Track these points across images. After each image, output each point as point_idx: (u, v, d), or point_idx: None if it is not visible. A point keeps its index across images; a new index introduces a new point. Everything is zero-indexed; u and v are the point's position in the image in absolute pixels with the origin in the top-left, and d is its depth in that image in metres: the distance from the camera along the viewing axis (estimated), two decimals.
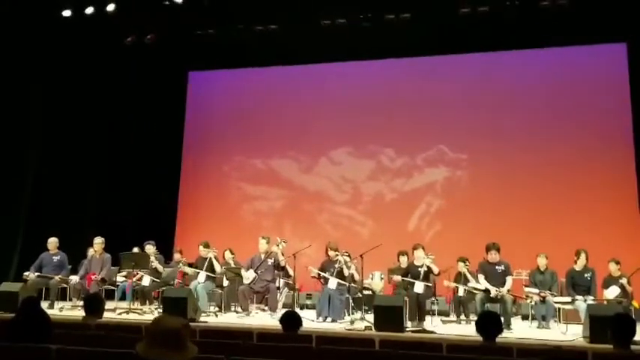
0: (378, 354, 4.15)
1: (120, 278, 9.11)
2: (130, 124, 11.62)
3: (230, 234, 10.64)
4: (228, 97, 11.72)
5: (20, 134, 10.35)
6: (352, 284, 8.19)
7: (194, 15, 10.29)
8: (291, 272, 8.59)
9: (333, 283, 7.94)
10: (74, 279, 8.75)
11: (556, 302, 7.67)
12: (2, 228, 10.02)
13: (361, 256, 7.85)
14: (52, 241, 9.03)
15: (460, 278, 8.15)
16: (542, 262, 7.97)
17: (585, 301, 7.35)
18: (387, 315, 6.92)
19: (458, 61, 10.58)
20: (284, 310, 6.03)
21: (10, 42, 9.85)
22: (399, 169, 10.71)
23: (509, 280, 7.72)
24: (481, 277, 7.82)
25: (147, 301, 8.98)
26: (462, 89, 10.49)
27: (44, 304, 7.84)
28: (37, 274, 8.75)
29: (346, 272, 8.10)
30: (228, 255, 9.22)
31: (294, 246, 8.84)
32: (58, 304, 8.56)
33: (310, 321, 7.40)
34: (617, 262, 7.68)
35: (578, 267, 7.82)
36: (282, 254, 8.46)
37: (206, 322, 7.48)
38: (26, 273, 8.77)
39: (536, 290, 7.73)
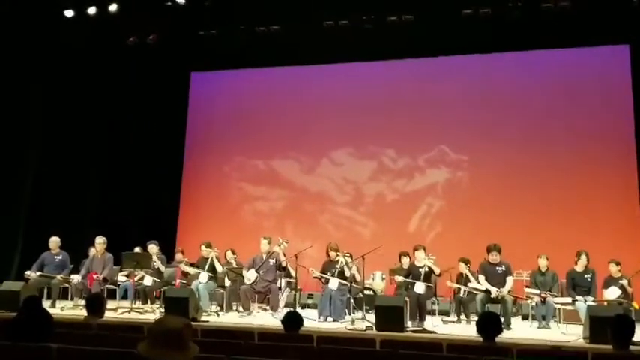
0: (379, 354, 4.17)
1: (121, 278, 9.13)
2: (132, 124, 11.66)
3: (231, 234, 10.66)
4: (230, 98, 11.74)
5: (21, 134, 10.38)
6: (354, 284, 8.21)
7: (196, 15, 10.33)
8: (292, 272, 8.61)
9: (334, 283, 7.96)
10: (76, 278, 8.77)
11: (556, 303, 7.68)
12: (4, 227, 10.05)
13: (362, 256, 7.86)
14: (54, 241, 9.05)
15: (461, 279, 8.17)
16: (542, 262, 7.99)
17: (585, 301, 7.36)
18: (388, 315, 6.94)
19: (460, 62, 10.59)
20: (285, 310, 6.06)
21: (12, 41, 9.88)
22: (401, 170, 10.73)
23: (509, 280, 7.73)
24: (482, 277, 7.84)
25: (148, 301, 8.99)
26: (463, 90, 10.50)
27: (46, 304, 7.87)
28: (38, 273, 8.77)
29: (347, 272, 8.12)
30: (229, 255, 9.25)
31: (295, 246, 8.86)
32: (59, 304, 8.59)
33: (311, 321, 7.41)
34: (618, 263, 7.69)
35: (578, 268, 7.82)
36: (284, 254, 8.48)
37: (207, 321, 7.50)
38: (28, 272, 8.78)
39: (537, 291, 7.74)
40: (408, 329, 7.03)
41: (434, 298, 8.11)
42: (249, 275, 8.44)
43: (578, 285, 7.76)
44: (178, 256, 9.48)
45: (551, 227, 9.53)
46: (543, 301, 7.63)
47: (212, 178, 11.58)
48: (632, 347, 3.93)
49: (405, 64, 10.80)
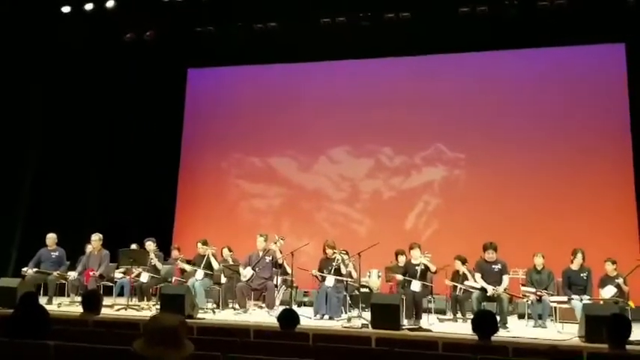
0: (375, 352, 4.17)
1: (118, 275, 9.12)
2: (129, 121, 11.63)
3: (228, 231, 10.66)
4: (227, 95, 11.72)
5: (20, 131, 10.35)
6: (350, 282, 8.22)
7: (193, 12, 10.29)
8: (288, 270, 8.61)
9: (330, 280, 7.97)
10: (72, 275, 8.75)
11: (552, 301, 7.70)
12: (1, 224, 10.04)
13: (359, 254, 7.87)
14: (51, 237, 9.04)
15: (457, 277, 8.18)
16: (538, 261, 8.00)
17: (581, 300, 7.38)
18: (384, 313, 6.95)
19: (457, 60, 10.60)
20: (281, 308, 6.06)
21: (9, 39, 9.84)
22: (398, 167, 10.74)
23: (505, 279, 7.75)
24: (478, 275, 7.86)
25: (145, 298, 8.99)
26: (460, 88, 10.51)
27: (42, 300, 7.86)
28: (35, 269, 8.76)
29: (343, 270, 8.13)
30: (226, 252, 9.25)
31: (292, 244, 8.87)
32: (56, 300, 8.58)
33: (307, 318, 7.42)
34: (614, 262, 7.71)
35: (574, 266, 7.85)
36: (280, 252, 8.48)
37: (203, 318, 7.50)
38: (24, 269, 8.77)
39: (533, 289, 7.76)
40: (403, 327, 7.04)
41: (430, 296, 8.12)
42: (246, 273, 8.44)
43: (574, 284, 7.78)
44: (175, 253, 9.49)
45: (548, 225, 9.56)
46: (539, 300, 7.65)
47: (209, 175, 11.57)
48: (628, 346, 3.95)
49: (402, 62, 10.80)
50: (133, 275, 8.83)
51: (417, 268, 7.87)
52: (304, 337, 4.52)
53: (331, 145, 11.07)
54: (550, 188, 9.84)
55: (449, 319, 8.10)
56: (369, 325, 6.97)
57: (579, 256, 7.81)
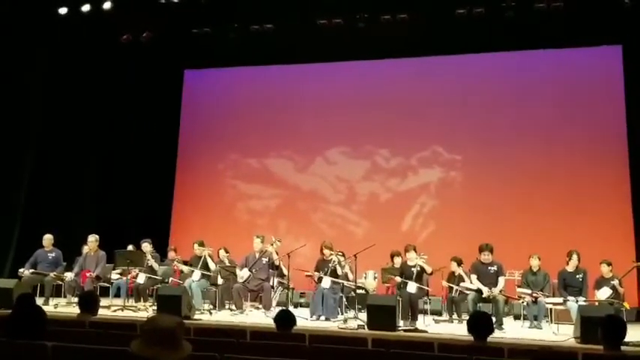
0: (370, 353, 4.19)
1: (114, 276, 9.12)
2: (126, 122, 11.61)
3: (224, 232, 10.66)
4: (224, 96, 11.73)
5: (17, 131, 10.34)
6: (346, 283, 8.24)
7: (190, 13, 10.31)
8: (285, 271, 8.62)
9: (326, 282, 7.98)
10: (69, 276, 8.74)
11: (548, 303, 7.73)
12: None
13: (355, 255, 7.89)
14: (47, 238, 9.03)
15: (453, 278, 8.21)
16: (534, 262, 8.03)
17: (577, 301, 7.41)
18: (380, 314, 6.97)
19: (453, 62, 10.63)
20: (278, 309, 6.08)
21: (7, 40, 9.84)
22: (394, 169, 10.76)
23: (501, 280, 7.78)
24: (474, 277, 7.88)
25: (141, 299, 8.99)
26: (456, 90, 10.54)
27: (39, 301, 7.83)
28: (31, 270, 8.75)
29: (340, 271, 8.14)
30: (222, 253, 9.25)
31: (288, 245, 8.88)
32: (52, 301, 8.57)
33: (304, 319, 7.43)
34: (609, 264, 7.74)
35: (570, 268, 7.88)
36: (277, 253, 8.49)
37: (200, 319, 7.51)
38: (21, 270, 8.77)
39: (529, 291, 7.79)
40: (399, 328, 7.06)
41: (426, 298, 8.14)
42: (242, 274, 8.45)
43: (569, 285, 7.82)
44: (171, 254, 9.48)
45: (544, 227, 9.59)
46: (535, 301, 7.67)
47: (205, 176, 11.57)
48: (623, 347, 3.98)
49: (398, 63, 10.83)
50: (130, 276, 8.82)
51: (412, 269, 7.89)
52: (301, 338, 4.53)
53: (328, 147, 11.08)
54: (546, 190, 9.88)
55: (445, 320, 8.12)
56: (365, 326, 6.99)
57: (575, 257, 7.85)
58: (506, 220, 9.84)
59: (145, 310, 8.19)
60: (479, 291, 7.69)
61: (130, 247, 9.49)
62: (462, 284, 8.00)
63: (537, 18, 9.63)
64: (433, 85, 10.65)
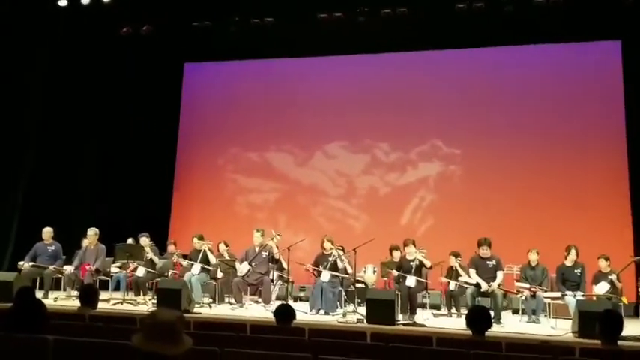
0: (369, 347, 4.21)
1: (114, 269, 9.14)
2: (125, 115, 11.60)
3: (224, 226, 10.68)
4: (224, 89, 11.71)
5: (16, 125, 10.32)
6: (345, 277, 8.27)
7: (191, 6, 10.29)
8: (285, 265, 8.65)
9: (325, 275, 8.01)
10: (69, 269, 8.76)
11: (546, 297, 7.76)
12: None
13: (354, 249, 7.91)
14: (47, 231, 9.03)
15: (452, 272, 8.24)
16: (533, 257, 8.06)
17: (575, 296, 7.45)
18: (379, 308, 6.99)
19: (453, 56, 10.62)
20: (277, 303, 6.11)
21: (6, 33, 9.81)
22: (394, 163, 10.77)
23: (500, 274, 7.81)
24: (472, 271, 7.91)
25: (141, 292, 9.02)
26: (457, 84, 10.54)
27: (38, 294, 7.84)
28: (31, 263, 8.76)
29: (340, 265, 8.17)
30: (222, 247, 9.27)
31: (288, 239, 8.90)
32: (52, 294, 8.59)
33: (303, 313, 7.46)
34: (607, 259, 7.77)
35: (568, 262, 7.91)
36: (277, 247, 8.51)
37: (200, 313, 7.54)
38: (20, 262, 8.77)
39: (527, 285, 7.82)
40: (398, 322, 7.10)
41: (425, 292, 8.17)
42: (242, 267, 8.47)
43: (567, 280, 7.85)
44: (171, 247, 9.50)
45: (542, 222, 9.62)
46: (533, 296, 7.70)
47: (205, 169, 11.57)
48: (620, 342, 4.00)
49: (398, 57, 10.81)
50: (130, 269, 8.83)
51: (411, 263, 7.91)
52: (300, 331, 4.56)
53: (327, 141, 11.08)
54: (545, 185, 9.90)
55: (443, 315, 8.16)
56: (365, 320, 7.02)
57: (573, 252, 7.88)
58: (504, 214, 9.87)
59: (144, 304, 8.22)
60: (477, 285, 7.72)
61: (130, 241, 9.51)
62: (460, 278, 8.03)
63: (536, 13, 9.62)
64: (433, 79, 10.65)
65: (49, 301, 7.81)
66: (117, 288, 9.07)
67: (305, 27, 10.45)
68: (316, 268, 8.28)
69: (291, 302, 7.75)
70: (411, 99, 10.69)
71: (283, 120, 11.27)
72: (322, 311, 7.84)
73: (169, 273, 8.91)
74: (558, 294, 7.74)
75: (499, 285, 7.71)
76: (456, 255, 8.24)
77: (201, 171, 11.57)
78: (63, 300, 8.28)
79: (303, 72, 11.35)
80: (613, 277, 7.58)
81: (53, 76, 10.63)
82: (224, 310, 7.98)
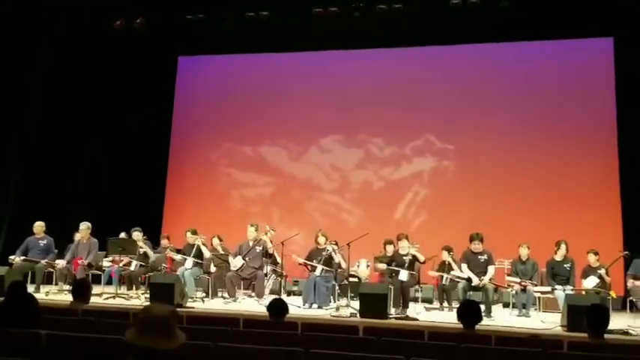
0: (362, 341, 4.25)
1: (106, 263, 9.13)
2: (118, 109, 11.54)
3: (218, 220, 10.67)
4: (218, 83, 11.68)
5: (8, 119, 10.27)
6: (339, 270, 8.31)
7: None
8: (278, 259, 8.68)
9: (318, 269, 8.05)
10: (61, 263, 8.74)
11: (536, 291, 7.83)
12: None
13: (348, 244, 7.94)
14: (39, 225, 8.98)
15: (444, 267, 8.29)
16: (523, 252, 8.13)
17: (564, 290, 7.52)
18: (372, 302, 7.03)
19: (447, 52, 10.65)
20: (271, 297, 6.13)
21: (5, 32, 9.78)
22: (388, 158, 10.80)
23: (491, 269, 7.88)
24: (464, 265, 7.97)
25: (133, 286, 9.03)
26: (450, 80, 10.57)
27: (30, 288, 7.84)
28: (22, 257, 8.71)
29: (336, 259, 8.20)
30: (215, 241, 9.27)
31: (282, 233, 8.92)
32: (44, 289, 8.56)
33: (297, 307, 7.49)
34: (596, 253, 7.85)
35: (558, 257, 7.98)
36: (271, 242, 8.53)
37: (193, 307, 7.55)
38: (12, 257, 8.72)
39: (518, 279, 7.88)
40: (391, 316, 7.15)
41: (417, 286, 8.23)
42: (236, 262, 8.49)
43: (557, 274, 7.93)
44: (164, 242, 9.49)
45: (533, 217, 9.68)
46: (524, 290, 7.77)
47: (199, 163, 11.55)
48: (606, 335, 4.06)
49: (393, 53, 10.82)
50: (121, 264, 8.79)
51: (404, 258, 7.96)
52: (293, 326, 4.59)
53: (322, 135, 11.09)
54: (536, 180, 9.96)
55: (435, 308, 8.21)
56: (357, 314, 7.06)
57: (563, 247, 7.95)
58: (496, 209, 9.93)
59: (137, 298, 8.22)
60: (469, 279, 7.78)
61: (123, 235, 9.49)
62: (452, 272, 8.09)
63: (530, 9, 9.65)
64: (427, 74, 10.67)
65: (40, 296, 7.78)
66: (109, 282, 9.05)
67: (300, 21, 10.43)
68: (311, 263, 8.30)
69: (284, 296, 7.78)
70: (406, 94, 10.71)
71: (278, 114, 11.26)
72: (315, 305, 7.87)
73: (163, 267, 8.90)
74: (548, 288, 7.81)
75: (490, 279, 7.78)
76: (449, 250, 8.29)
77: (194, 165, 11.55)
78: (54, 294, 8.25)
79: (298, 66, 11.34)
80: (602, 271, 7.66)
81: (49, 72, 10.57)
82: (217, 305, 8.00)
